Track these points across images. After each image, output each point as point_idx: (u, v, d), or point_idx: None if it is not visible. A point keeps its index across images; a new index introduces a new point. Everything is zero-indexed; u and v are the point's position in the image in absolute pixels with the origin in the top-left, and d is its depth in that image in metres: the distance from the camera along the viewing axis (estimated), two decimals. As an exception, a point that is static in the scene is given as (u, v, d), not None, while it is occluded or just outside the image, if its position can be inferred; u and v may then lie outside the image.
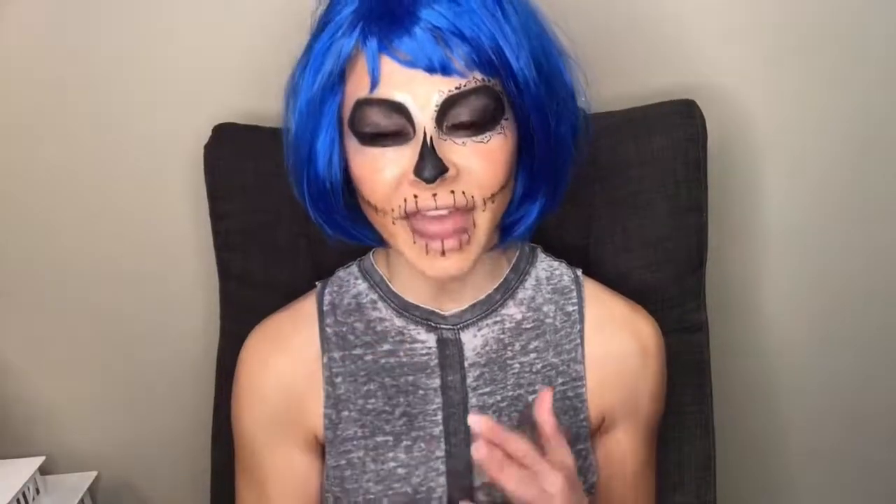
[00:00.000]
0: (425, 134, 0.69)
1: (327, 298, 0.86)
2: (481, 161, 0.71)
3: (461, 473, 0.82)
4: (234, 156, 1.01)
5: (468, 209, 0.72)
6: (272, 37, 1.03)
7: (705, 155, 0.99)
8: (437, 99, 0.69)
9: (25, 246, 1.13)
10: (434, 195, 0.70)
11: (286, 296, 0.91)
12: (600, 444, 0.87)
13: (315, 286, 0.88)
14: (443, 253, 0.72)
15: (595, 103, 0.99)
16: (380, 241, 0.81)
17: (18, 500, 1.09)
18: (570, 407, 0.84)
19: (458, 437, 0.82)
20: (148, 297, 1.16)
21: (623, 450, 0.87)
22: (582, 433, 0.84)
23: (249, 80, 1.05)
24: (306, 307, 0.87)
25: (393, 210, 0.72)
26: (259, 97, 1.03)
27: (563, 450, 0.71)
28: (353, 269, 0.88)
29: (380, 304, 0.84)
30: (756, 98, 1.10)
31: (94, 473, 1.20)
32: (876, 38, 1.08)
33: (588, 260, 0.98)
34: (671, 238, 0.99)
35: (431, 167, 0.68)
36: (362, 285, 0.86)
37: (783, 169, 1.13)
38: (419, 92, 0.69)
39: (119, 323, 1.17)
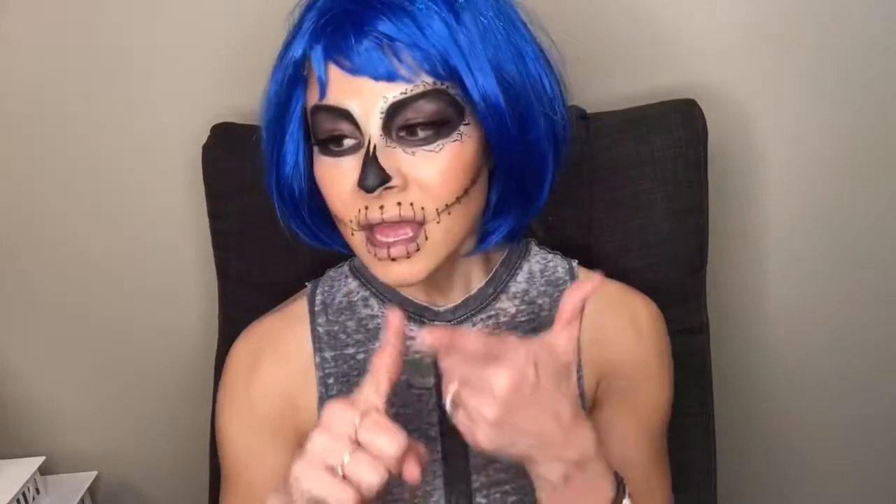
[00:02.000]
0: (369, 142, 0.69)
1: (318, 298, 0.85)
2: (432, 171, 0.70)
3: (459, 476, 0.81)
4: (233, 156, 1.01)
5: (418, 222, 0.70)
6: (269, 36, 1.02)
7: (706, 155, 0.98)
8: (381, 105, 0.68)
9: (24, 247, 1.14)
10: (381, 207, 0.69)
11: (284, 296, 0.90)
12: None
13: (305, 286, 0.87)
14: (391, 258, 0.71)
15: (595, 103, 0.99)
16: (349, 248, 0.79)
17: (18, 500, 1.09)
18: None
19: (454, 437, 0.78)
20: (147, 297, 1.16)
21: (614, 430, 0.81)
22: None
23: (247, 79, 1.03)
24: (297, 308, 0.85)
25: (351, 221, 0.71)
26: (257, 96, 1.02)
27: (563, 339, 0.66)
28: (344, 268, 0.87)
29: (371, 301, 0.83)
30: (757, 97, 1.09)
31: (94, 473, 1.21)
32: (877, 38, 1.07)
33: (588, 260, 0.97)
34: (672, 239, 0.99)
35: (373, 176, 0.67)
36: (353, 283, 0.85)
37: (784, 169, 1.13)
38: (365, 99, 0.69)
39: (118, 323, 1.17)
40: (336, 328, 0.83)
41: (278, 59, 0.75)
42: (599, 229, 0.99)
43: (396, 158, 0.69)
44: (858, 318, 1.20)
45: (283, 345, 0.83)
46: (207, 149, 1.01)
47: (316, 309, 0.84)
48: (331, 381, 0.82)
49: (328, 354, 0.83)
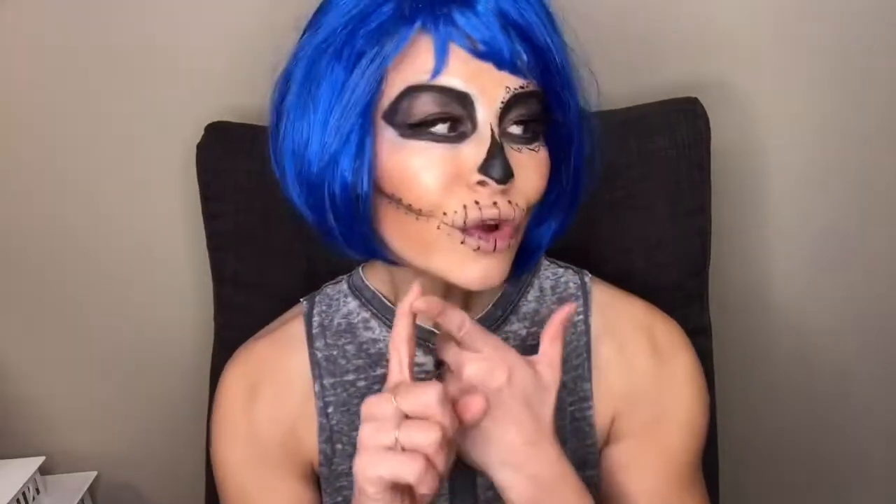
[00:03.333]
0: (492, 130, 0.64)
1: (316, 319, 0.80)
2: (532, 170, 0.66)
3: None
4: (228, 155, 1.00)
5: (517, 224, 0.66)
6: (265, 34, 1.02)
7: (709, 155, 0.97)
8: (503, 95, 0.64)
9: (21, 247, 1.13)
10: (495, 203, 0.64)
11: (280, 297, 0.89)
12: (605, 457, 0.78)
13: (300, 303, 0.83)
14: (494, 248, 0.65)
15: (597, 101, 0.97)
16: (390, 259, 0.73)
17: (18, 500, 1.09)
18: (577, 429, 0.77)
19: (463, 473, 0.73)
20: (143, 297, 1.15)
21: (635, 463, 0.76)
22: (590, 459, 0.78)
23: (242, 77, 1.03)
24: (293, 330, 0.81)
25: (445, 214, 0.64)
26: (252, 94, 1.01)
27: (544, 361, 0.67)
28: (343, 286, 0.82)
29: (373, 323, 0.78)
30: (760, 96, 1.08)
31: (94, 473, 1.21)
32: (880, 37, 1.06)
33: (589, 262, 0.95)
34: (673, 240, 0.97)
35: (502, 167, 0.62)
36: (353, 303, 0.80)
37: (788, 169, 1.11)
38: (487, 85, 0.64)
39: (116, 323, 1.17)
40: (335, 352, 0.79)
41: (337, 39, 0.65)
42: (600, 231, 0.98)
43: (508, 154, 0.65)
44: (862, 319, 1.19)
45: (281, 373, 0.79)
46: (202, 148, 1.00)
47: (314, 332, 0.80)
48: (330, 409, 0.78)
49: (327, 381, 0.78)
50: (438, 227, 0.65)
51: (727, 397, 1.06)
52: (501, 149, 0.63)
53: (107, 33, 1.05)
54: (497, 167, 0.62)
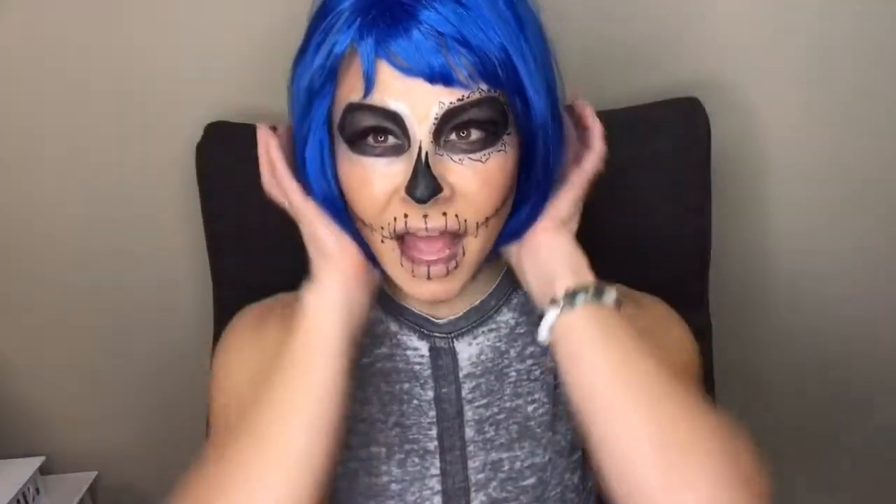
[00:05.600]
0: (420, 149, 0.64)
1: None
2: (478, 182, 0.66)
3: (457, 494, 0.78)
4: (227, 155, 1.00)
5: (459, 234, 0.67)
6: (264, 34, 1.02)
7: (709, 155, 0.97)
8: (436, 111, 0.64)
9: (22, 248, 1.14)
10: (425, 216, 0.65)
11: (280, 298, 0.89)
12: None
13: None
14: (428, 277, 0.68)
15: (596, 101, 0.97)
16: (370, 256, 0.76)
17: (18, 500, 1.10)
18: (566, 412, 0.79)
19: (454, 453, 0.78)
20: (143, 298, 1.16)
21: None
22: (577, 441, 0.80)
23: (242, 77, 1.04)
24: (297, 306, 0.80)
25: (382, 228, 0.67)
26: (252, 95, 1.02)
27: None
28: None
29: (376, 306, 0.81)
30: (761, 96, 1.07)
31: (94, 473, 1.21)
32: (880, 37, 1.06)
33: (589, 262, 0.96)
34: (673, 240, 0.97)
35: (425, 187, 0.63)
36: None
37: (788, 169, 1.11)
38: (417, 102, 0.64)
39: (116, 323, 1.17)
40: None
41: (308, 49, 0.69)
42: (600, 231, 0.97)
43: (444, 167, 0.65)
44: (862, 321, 1.19)
45: (289, 317, 0.76)
46: (201, 148, 1.00)
47: None
48: None
49: None
50: (382, 241, 0.68)
51: (727, 398, 1.06)
52: (426, 168, 0.64)
53: (107, 33, 1.05)
54: (419, 187, 0.63)
